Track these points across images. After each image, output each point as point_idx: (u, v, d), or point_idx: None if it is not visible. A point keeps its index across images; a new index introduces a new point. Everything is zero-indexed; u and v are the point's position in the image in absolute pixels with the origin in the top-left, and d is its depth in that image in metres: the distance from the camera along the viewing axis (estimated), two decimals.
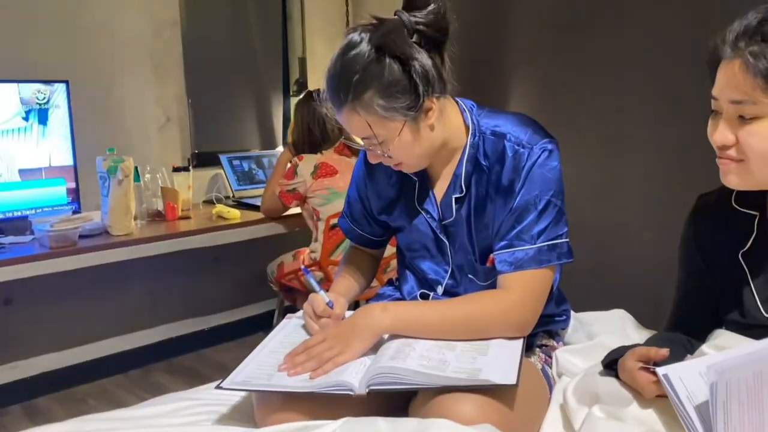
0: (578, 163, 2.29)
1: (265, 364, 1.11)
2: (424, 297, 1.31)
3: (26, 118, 2.35)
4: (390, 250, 2.41)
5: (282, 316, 2.82)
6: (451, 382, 0.97)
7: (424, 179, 1.24)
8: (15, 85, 2.31)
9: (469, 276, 1.23)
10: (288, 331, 1.25)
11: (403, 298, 1.37)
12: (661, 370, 0.88)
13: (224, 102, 3.21)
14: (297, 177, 2.46)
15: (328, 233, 2.47)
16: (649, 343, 1.06)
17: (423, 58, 1.06)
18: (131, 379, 2.75)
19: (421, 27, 1.07)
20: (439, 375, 0.97)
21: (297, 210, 2.63)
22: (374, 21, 1.07)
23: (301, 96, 2.75)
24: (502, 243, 1.13)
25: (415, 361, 1.01)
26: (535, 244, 1.11)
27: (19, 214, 2.33)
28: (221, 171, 3.07)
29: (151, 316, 2.93)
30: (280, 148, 3.31)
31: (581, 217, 2.30)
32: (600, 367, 1.06)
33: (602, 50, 2.23)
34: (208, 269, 3.07)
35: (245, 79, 3.32)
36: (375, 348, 1.09)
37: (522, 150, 1.12)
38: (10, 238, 2.23)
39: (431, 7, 1.08)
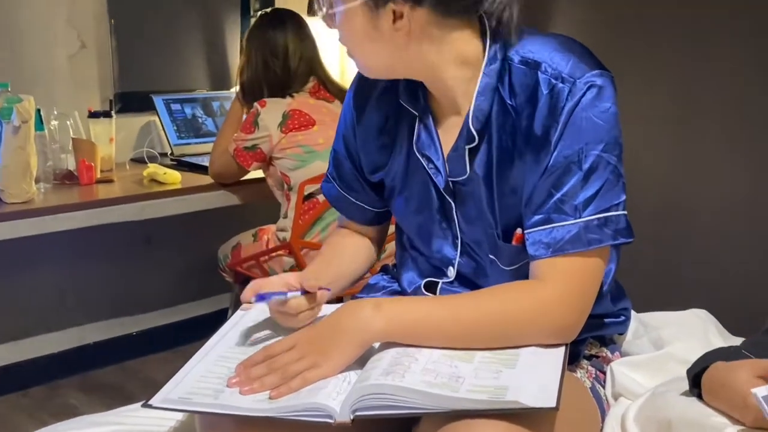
0: (644, 126, 2.29)
1: (211, 375, 1.11)
2: (431, 288, 1.32)
3: None
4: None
5: None
6: (466, 405, 0.96)
7: (427, 116, 1.25)
8: None
9: (491, 256, 1.24)
10: (243, 330, 1.25)
11: (402, 292, 1.38)
12: (761, 391, 0.88)
13: (160, 25, 3.17)
14: (258, 130, 2.46)
15: (302, 206, 2.46)
16: (755, 347, 1.05)
17: None
18: (33, 398, 2.74)
19: None
20: (450, 396, 0.97)
21: (259, 174, 2.63)
22: None
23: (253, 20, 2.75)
24: (536, 217, 1.13)
25: (418, 376, 1.01)
26: (580, 217, 1.10)
27: None
28: (155, 118, 3.05)
29: (59, 315, 2.92)
30: (236, 88, 3.27)
31: (647, 190, 2.31)
32: (673, 386, 1.06)
33: None
34: (138, 253, 3.06)
35: None
36: (362, 360, 1.09)
37: (561, 85, 1.11)
38: None
39: None
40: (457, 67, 1.17)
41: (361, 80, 1.34)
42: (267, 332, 1.23)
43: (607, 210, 1.11)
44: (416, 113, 1.25)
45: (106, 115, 2.70)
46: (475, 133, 1.18)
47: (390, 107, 1.29)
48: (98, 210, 2.38)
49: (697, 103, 2.24)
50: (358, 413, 0.99)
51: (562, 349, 1.11)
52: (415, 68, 1.19)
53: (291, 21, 2.57)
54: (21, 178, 2.27)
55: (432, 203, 1.27)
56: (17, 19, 2.73)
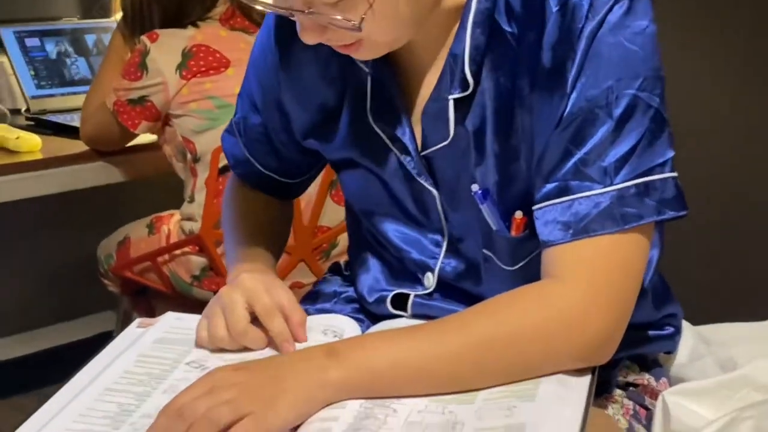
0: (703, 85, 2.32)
1: (96, 413, 1.11)
2: (399, 303, 1.34)
3: None
4: (339, 214, 2.47)
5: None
6: None
7: (383, 68, 1.25)
8: None
9: (485, 252, 1.25)
10: (141, 352, 1.26)
11: (360, 300, 1.40)
12: None
13: None
14: (148, 75, 2.46)
15: (217, 183, 2.46)
16: None
17: None
18: None
19: None
20: None
21: (150, 138, 2.64)
22: None
23: None
24: (549, 186, 1.14)
25: None
26: (611, 184, 1.11)
27: None
28: (3, 59, 3.05)
29: None
30: (119, 15, 3.28)
31: (703, 156, 2.33)
32: (756, 410, 1.09)
33: None
34: None
35: None
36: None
37: (576, 1, 1.12)
38: None
39: None
40: None
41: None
42: (173, 357, 1.24)
43: (649, 172, 1.12)
44: (366, 69, 1.26)
45: None
46: (470, 77, 1.18)
47: (328, 53, 1.26)
48: None
49: None
50: None
51: (587, 376, 1.12)
52: (425, 11, 1.17)
53: None
54: None
55: (399, 188, 1.29)
56: None
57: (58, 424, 1.09)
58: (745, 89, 2.45)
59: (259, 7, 1.20)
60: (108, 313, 3.11)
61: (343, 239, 2.53)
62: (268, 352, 1.24)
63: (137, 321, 1.36)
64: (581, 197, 1.11)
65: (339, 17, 1.09)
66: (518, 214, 1.19)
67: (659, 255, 1.30)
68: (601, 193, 1.11)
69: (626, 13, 1.12)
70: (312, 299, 1.48)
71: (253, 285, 1.26)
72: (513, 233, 1.20)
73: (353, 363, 1.09)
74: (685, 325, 1.41)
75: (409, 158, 1.25)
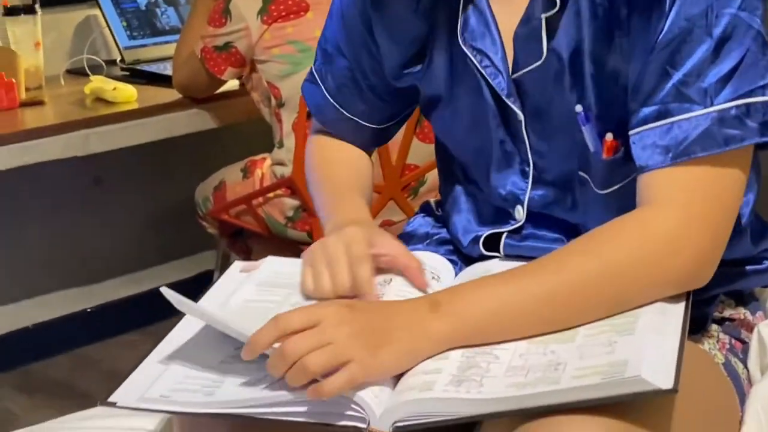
0: None
1: (202, 363, 1.11)
2: (492, 244, 1.32)
3: None
4: (426, 152, 2.45)
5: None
6: (572, 397, 0.96)
7: None
8: None
9: (581, 175, 1.23)
10: (245, 298, 1.25)
11: (454, 242, 1.39)
12: None
13: None
14: (231, 21, 2.46)
15: (304, 127, 2.45)
16: None
17: None
18: None
19: None
20: (549, 391, 0.97)
21: (236, 84, 2.64)
22: None
23: None
24: (647, 110, 1.12)
25: (502, 381, 1.01)
26: (712, 105, 1.09)
27: None
28: (96, 12, 3.06)
29: None
30: None
31: None
32: None
33: None
34: (84, 201, 3.10)
35: None
36: None
37: None
38: None
39: None
40: None
41: None
42: (277, 300, 1.24)
43: (751, 94, 1.09)
44: None
45: (29, 10, 2.68)
46: None
47: None
48: (26, 144, 2.40)
49: None
50: (399, 425, 1.00)
51: (682, 304, 1.10)
52: None
53: None
54: None
55: (490, 117, 1.27)
56: None
57: (168, 376, 1.09)
58: None
59: None
60: (208, 253, 3.15)
61: (431, 176, 2.52)
62: None
63: (238, 265, 1.35)
64: (681, 120, 1.10)
65: None
66: (609, 137, 1.18)
67: (756, 196, 1.27)
68: (702, 115, 1.09)
69: None
70: (405, 240, 1.46)
71: (355, 235, 1.23)
72: (605, 155, 1.19)
73: (456, 315, 1.08)
74: None
75: (499, 79, 1.23)
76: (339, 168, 1.46)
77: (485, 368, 1.04)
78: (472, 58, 1.25)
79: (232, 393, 1.05)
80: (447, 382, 1.02)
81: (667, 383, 0.94)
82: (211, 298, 1.25)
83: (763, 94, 1.10)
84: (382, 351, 1.03)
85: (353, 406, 1.00)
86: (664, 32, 1.10)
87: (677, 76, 1.09)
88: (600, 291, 1.09)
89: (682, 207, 1.09)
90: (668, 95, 1.10)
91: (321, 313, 1.04)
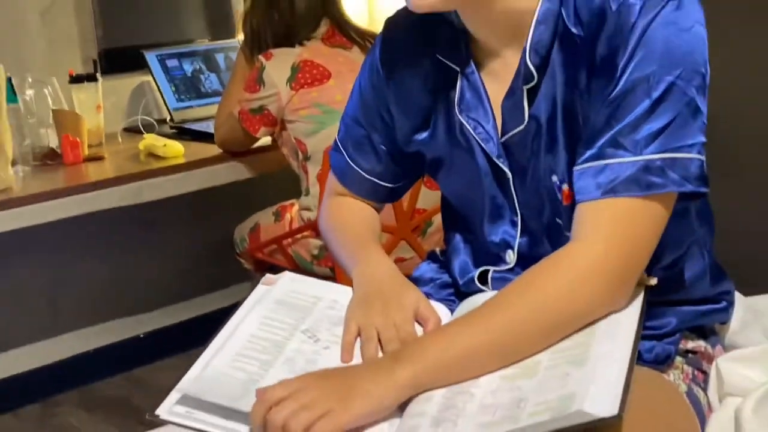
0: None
1: (229, 379, 1.14)
2: (483, 278, 1.34)
3: None
4: (433, 197, 2.46)
5: None
6: None
7: (470, 68, 1.26)
8: None
9: (557, 221, 1.24)
10: (265, 315, 1.28)
11: (454, 285, 1.40)
12: None
13: None
14: (264, 87, 2.47)
15: (326, 177, 2.46)
16: None
17: None
18: (26, 420, 2.79)
19: None
20: (509, 430, 0.98)
21: (269, 140, 2.66)
22: None
23: None
24: (589, 152, 1.13)
25: (473, 420, 1.02)
26: (640, 154, 1.10)
27: None
28: (149, 78, 3.08)
29: (50, 321, 2.97)
30: (241, 37, 3.29)
31: (751, 142, 2.27)
32: None
33: None
34: (137, 241, 3.10)
35: None
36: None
37: (632, 1, 1.11)
38: None
39: None
40: None
41: (390, 33, 1.37)
42: (291, 323, 1.27)
43: (677, 150, 1.10)
44: (458, 68, 1.27)
45: (91, 78, 2.73)
46: (533, 68, 1.18)
47: (427, 63, 1.31)
48: (89, 195, 2.42)
49: None
50: None
51: (632, 326, 1.10)
52: None
53: None
54: None
55: (482, 176, 1.29)
56: None
57: (213, 371, 1.13)
58: None
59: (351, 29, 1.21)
60: (244, 285, 3.14)
61: (437, 219, 2.48)
62: None
63: (264, 278, 1.39)
64: (613, 163, 1.11)
65: None
66: (565, 187, 1.19)
67: (711, 241, 1.29)
68: (631, 162, 1.10)
69: (674, 12, 1.11)
70: (414, 283, 1.47)
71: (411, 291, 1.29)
72: (564, 203, 1.20)
73: (415, 361, 1.09)
74: (737, 296, 1.38)
75: (491, 144, 1.25)
76: (359, 224, 1.47)
77: (461, 408, 1.04)
78: (468, 126, 1.27)
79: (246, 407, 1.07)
80: (428, 424, 1.02)
81: (611, 411, 0.94)
82: (236, 316, 1.29)
83: (689, 152, 1.10)
84: (353, 401, 1.04)
85: None
86: (614, 92, 1.11)
87: (617, 127, 1.11)
88: (537, 323, 1.10)
89: (604, 240, 1.11)
90: (607, 142, 1.11)
91: (296, 384, 1.06)
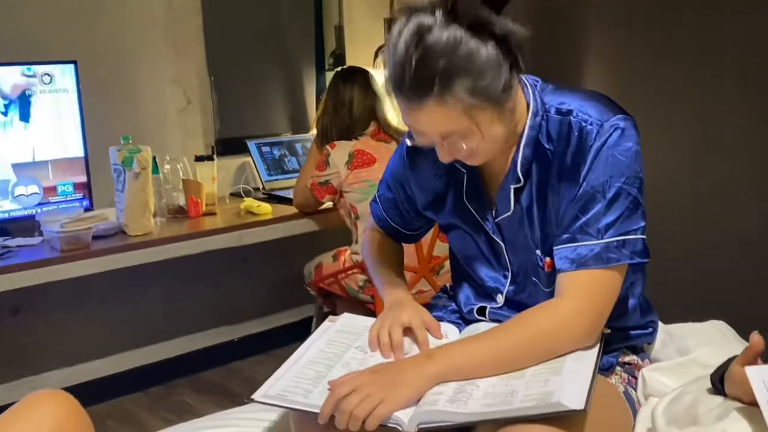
0: (668, 160, 2.27)
1: (303, 376, 1.14)
2: (482, 311, 1.33)
3: (11, 105, 2.42)
4: (445, 247, 2.45)
5: (321, 323, 2.82)
6: (517, 413, 0.98)
7: (473, 170, 1.25)
8: (17, 68, 2.39)
9: (533, 279, 1.24)
10: (330, 338, 1.29)
11: (460, 312, 1.39)
12: (749, 369, 0.90)
13: (250, 80, 3.25)
14: (329, 167, 2.50)
15: None
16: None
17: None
18: (153, 397, 2.81)
19: None
20: (504, 409, 0.98)
21: (330, 205, 2.67)
22: None
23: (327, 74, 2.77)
24: (564, 236, 1.14)
25: (479, 401, 1.02)
26: (601, 239, 1.10)
27: (26, 213, 2.42)
28: (249, 159, 3.13)
29: (172, 326, 3.00)
30: (314, 131, 3.32)
31: (672, 216, 2.28)
32: (697, 385, 1.06)
33: (694, 33, 2.17)
34: (236, 271, 3.13)
35: (273, 52, 3.37)
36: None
37: (589, 128, 1.12)
38: (18, 240, 2.32)
39: None
40: (519, 118, 1.17)
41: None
42: (348, 342, 1.27)
43: (626, 234, 1.11)
44: (463, 170, 1.26)
45: (209, 158, 2.77)
46: (521, 176, 1.18)
47: (439, 163, 1.27)
48: (205, 239, 2.47)
49: (713, 126, 2.22)
50: (422, 426, 1.01)
51: (593, 355, 1.11)
52: (512, 132, 1.16)
53: (359, 76, 2.61)
54: (141, 214, 2.36)
55: (482, 242, 1.28)
56: (135, 82, 2.84)
57: (282, 383, 1.13)
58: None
59: (408, 142, 1.19)
60: (309, 305, 3.11)
61: (448, 263, 2.48)
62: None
63: (329, 318, 1.39)
64: (583, 245, 1.12)
65: (464, 145, 1.11)
66: (548, 259, 1.19)
67: (643, 285, 1.28)
68: (595, 244, 1.11)
69: (619, 137, 1.12)
70: (430, 309, 1.48)
71: (408, 311, 1.27)
72: (547, 269, 1.20)
73: (442, 361, 1.10)
74: (660, 324, 1.38)
75: (489, 224, 1.25)
76: (387, 257, 1.46)
77: (470, 393, 1.05)
78: (472, 210, 1.27)
79: (317, 399, 1.07)
80: (445, 400, 1.03)
81: (579, 405, 0.96)
82: (312, 337, 1.29)
83: (636, 234, 1.11)
84: (400, 388, 1.05)
85: (392, 421, 1.03)
86: (578, 193, 1.12)
87: (583, 219, 1.12)
88: (527, 350, 1.11)
89: (579, 299, 1.11)
90: (576, 229, 1.12)
91: (357, 380, 1.06)
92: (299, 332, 3.21)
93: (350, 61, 3.32)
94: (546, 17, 2.55)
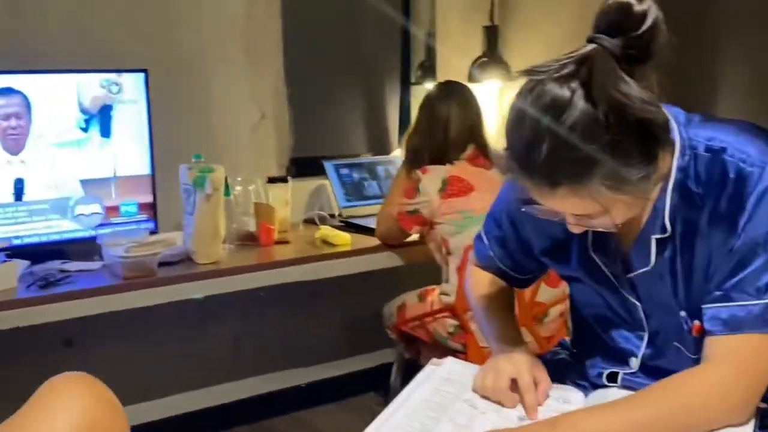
0: None
1: (407, 427, 1.15)
2: (612, 377, 1.30)
3: (91, 118, 2.50)
4: (550, 293, 2.43)
5: (402, 372, 2.83)
6: None
7: None
8: (87, 75, 2.47)
9: (675, 344, 1.21)
10: (435, 386, 1.28)
11: (584, 374, 1.36)
12: None
13: (329, 95, 3.30)
14: (420, 195, 2.50)
15: (464, 270, 2.45)
16: None
17: (659, 111, 1.06)
18: None
19: (632, 52, 1.04)
20: None
21: (417, 237, 2.66)
22: (568, 60, 1.04)
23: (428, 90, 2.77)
24: (716, 293, 1.11)
25: None
26: (762, 299, 1.07)
27: (86, 234, 2.48)
28: (326, 182, 3.15)
29: (234, 366, 3.03)
30: (397, 153, 3.36)
31: None
32: None
33: None
34: (307, 308, 3.15)
35: (354, 63, 3.41)
36: None
37: (749, 169, 1.09)
38: (77, 264, 2.38)
39: (648, 24, 1.04)
40: None
41: None
42: (455, 391, 1.28)
43: None
44: None
45: (283, 180, 2.82)
46: (669, 225, 1.15)
47: None
48: (277, 270, 2.48)
49: None
50: None
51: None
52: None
53: (458, 92, 2.61)
54: (211, 241, 2.40)
55: (612, 299, 1.25)
56: (208, 96, 2.90)
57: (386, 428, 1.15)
58: None
59: (535, 213, 1.15)
60: (387, 350, 3.11)
61: (553, 311, 2.48)
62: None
63: (432, 361, 1.39)
64: (738, 305, 1.08)
65: (595, 222, 1.11)
66: (696, 323, 1.16)
67: None
68: (754, 304, 1.08)
69: None
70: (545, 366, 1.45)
71: (520, 363, 1.26)
72: (695, 334, 1.16)
73: (566, 430, 1.09)
74: None
75: (621, 280, 1.22)
76: (499, 301, 1.45)
77: None
78: (600, 264, 1.24)
79: None
80: None
81: None
82: (416, 382, 1.30)
83: None
84: None
85: None
86: (735, 246, 1.09)
87: (740, 275, 1.09)
88: (668, 423, 1.08)
89: (731, 364, 1.08)
90: (731, 287, 1.09)
91: None
92: (375, 380, 3.21)
93: (442, 74, 3.33)
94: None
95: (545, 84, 1.03)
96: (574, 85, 1.02)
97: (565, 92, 1.02)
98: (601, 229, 1.15)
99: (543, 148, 1.02)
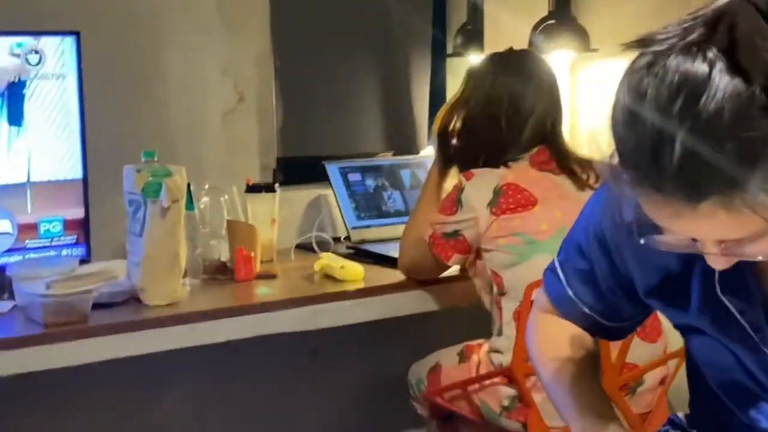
0: None
1: None
2: None
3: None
4: (647, 351, 2.38)
5: None
6: None
7: None
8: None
9: None
10: None
11: None
12: None
13: (333, 73, 3.31)
14: (462, 210, 2.48)
15: (526, 317, 2.42)
16: None
17: None
18: None
19: None
20: None
21: (456, 270, 2.64)
22: (696, 20, 1.02)
23: (479, 60, 2.78)
24: None
25: None
26: None
27: None
28: (328, 192, 3.14)
29: None
30: (427, 151, 3.36)
31: None
32: None
33: None
34: (300, 370, 3.13)
35: (367, 30, 3.44)
36: None
37: None
38: None
39: None
40: None
41: None
42: None
43: None
44: None
45: (268, 189, 2.81)
46: None
47: None
48: (260, 317, 2.46)
49: None
50: None
51: None
52: None
53: (532, 65, 2.60)
54: (167, 273, 2.38)
55: (749, 359, 1.25)
56: (164, 70, 2.91)
57: None
58: None
59: (663, 240, 1.13)
60: (417, 431, 3.09)
61: (649, 377, 2.47)
62: None
63: None
64: None
65: (752, 249, 1.07)
66: None
67: None
68: None
69: None
70: None
71: None
72: None
73: None
74: None
75: (761, 332, 1.21)
76: (578, 361, 1.45)
77: None
78: (734, 310, 1.22)
79: None
80: None
81: None
82: None
83: None
84: None
85: None
86: None
87: None
88: None
89: None
90: None
91: None
92: None
93: (491, 43, 3.33)
94: None
95: (668, 57, 1.01)
96: (711, 54, 0.99)
97: (700, 66, 0.99)
98: (760, 258, 1.11)
99: (676, 148, 0.99)
